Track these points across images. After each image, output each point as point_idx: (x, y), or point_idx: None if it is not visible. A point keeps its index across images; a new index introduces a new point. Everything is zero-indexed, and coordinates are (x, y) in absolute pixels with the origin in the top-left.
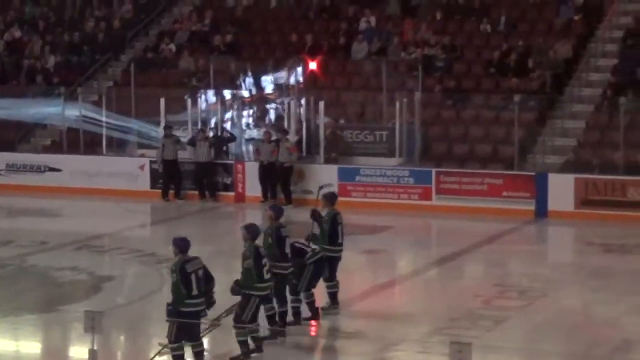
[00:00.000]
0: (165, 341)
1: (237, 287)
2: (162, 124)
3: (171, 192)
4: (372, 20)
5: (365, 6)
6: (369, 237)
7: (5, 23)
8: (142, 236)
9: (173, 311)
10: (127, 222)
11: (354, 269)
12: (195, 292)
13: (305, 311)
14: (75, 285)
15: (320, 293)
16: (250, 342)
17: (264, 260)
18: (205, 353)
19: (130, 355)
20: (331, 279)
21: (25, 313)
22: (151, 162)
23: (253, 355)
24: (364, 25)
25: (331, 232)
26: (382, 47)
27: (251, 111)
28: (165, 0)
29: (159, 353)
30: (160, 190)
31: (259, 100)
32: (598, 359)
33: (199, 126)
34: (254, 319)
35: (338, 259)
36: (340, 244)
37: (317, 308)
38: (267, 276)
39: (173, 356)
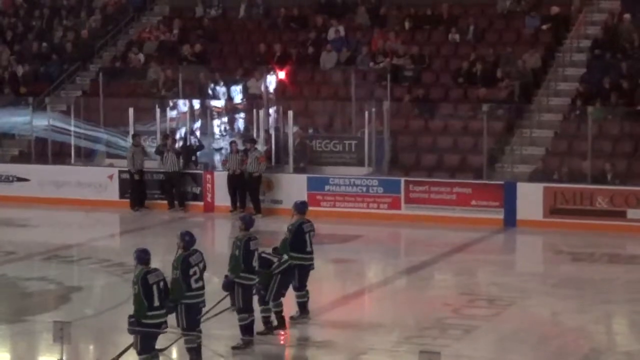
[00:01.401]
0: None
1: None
2: (132, 133)
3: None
4: (341, 29)
5: (333, 16)
6: (338, 247)
7: None
8: (110, 246)
9: (135, 323)
10: (96, 232)
11: (323, 279)
12: (156, 303)
13: (273, 320)
14: (43, 295)
15: (292, 302)
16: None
17: (193, 269)
18: None
19: None
20: (300, 288)
21: None
22: (120, 172)
23: None
24: (332, 35)
25: (295, 240)
26: (351, 57)
27: (220, 121)
28: (134, 10)
29: None
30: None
31: (228, 110)
32: None
33: (169, 134)
34: (191, 326)
35: (308, 267)
36: (309, 252)
37: (284, 317)
38: (196, 285)
39: None
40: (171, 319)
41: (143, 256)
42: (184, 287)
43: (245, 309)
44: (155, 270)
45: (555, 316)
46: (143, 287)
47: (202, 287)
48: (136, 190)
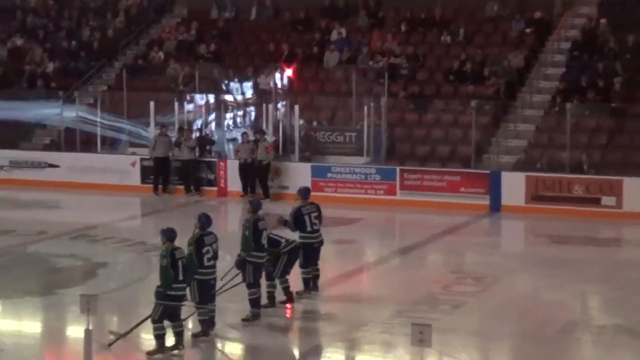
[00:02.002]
0: (117, 330)
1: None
2: (152, 125)
3: (160, 186)
4: (343, 31)
5: (336, 18)
6: (340, 229)
7: (8, 32)
8: (132, 227)
9: (162, 293)
10: (119, 214)
11: (325, 258)
12: (181, 277)
13: (280, 295)
14: (72, 271)
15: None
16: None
17: (206, 248)
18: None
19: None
20: (305, 265)
21: (26, 296)
22: (142, 159)
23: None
24: (335, 36)
25: (296, 223)
26: (352, 56)
27: (232, 114)
28: (155, 12)
29: (115, 341)
30: (151, 185)
31: (240, 104)
32: (546, 339)
33: (185, 127)
34: (203, 300)
35: (314, 244)
36: (312, 231)
37: (291, 292)
38: (208, 263)
39: (156, 335)
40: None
41: (170, 234)
42: (196, 263)
43: (255, 284)
44: (179, 248)
45: (535, 292)
46: (171, 260)
47: (214, 266)
48: (158, 176)
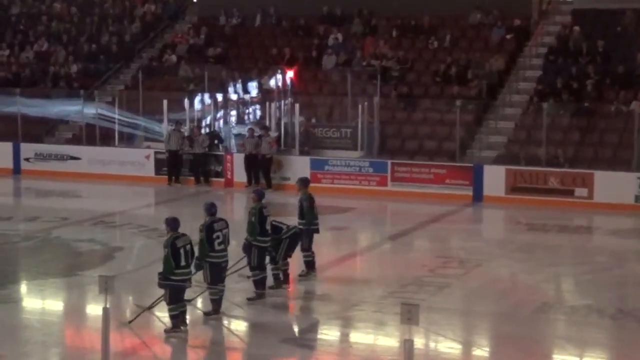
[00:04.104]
0: (141, 303)
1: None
2: (165, 121)
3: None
4: (339, 37)
5: (333, 25)
6: (336, 217)
7: (35, 36)
8: (147, 214)
9: (163, 279)
10: (135, 202)
11: (322, 243)
12: (183, 263)
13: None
14: (91, 254)
15: (299, 262)
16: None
17: (217, 234)
18: (199, 311)
19: (137, 313)
20: (308, 249)
21: (50, 277)
22: (156, 152)
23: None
24: (332, 41)
25: (311, 209)
26: (348, 60)
27: (238, 111)
28: (168, 18)
29: (137, 317)
30: (166, 176)
31: (245, 102)
32: (522, 318)
33: (195, 124)
34: (214, 281)
35: (315, 231)
36: (317, 219)
37: (289, 274)
38: (219, 247)
39: (171, 315)
40: (198, 275)
41: (173, 224)
42: (207, 247)
43: (258, 267)
44: (184, 235)
45: (513, 275)
46: (172, 250)
47: (225, 249)
48: (171, 168)
